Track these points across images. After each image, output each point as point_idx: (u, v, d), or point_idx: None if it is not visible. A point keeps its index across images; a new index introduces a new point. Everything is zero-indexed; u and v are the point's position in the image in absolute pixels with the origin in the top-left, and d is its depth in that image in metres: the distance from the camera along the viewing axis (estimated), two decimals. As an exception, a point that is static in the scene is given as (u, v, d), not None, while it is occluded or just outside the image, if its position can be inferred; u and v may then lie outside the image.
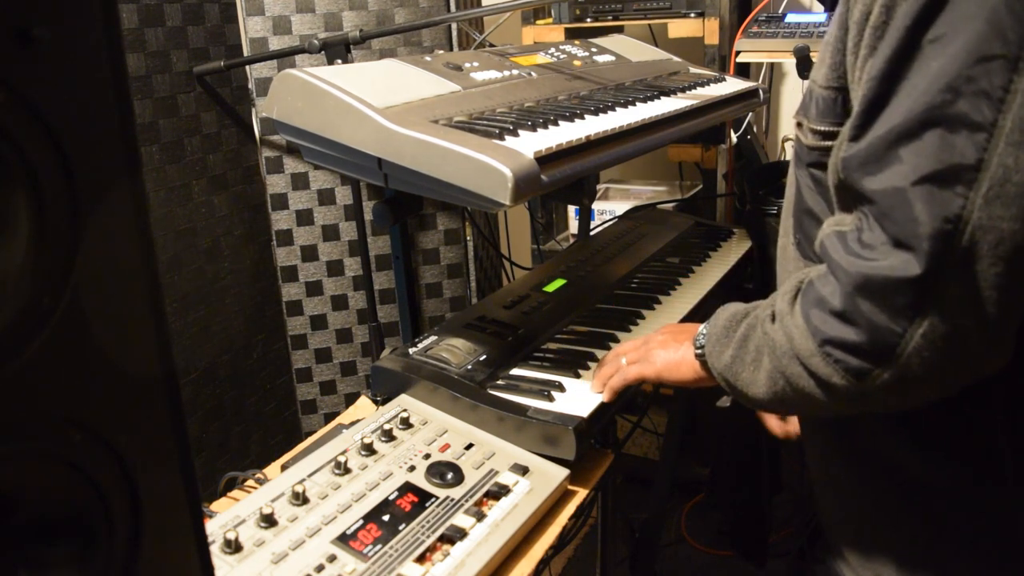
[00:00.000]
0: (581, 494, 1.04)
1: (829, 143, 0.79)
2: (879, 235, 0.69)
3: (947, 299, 0.66)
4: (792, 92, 2.65)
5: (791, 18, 2.10)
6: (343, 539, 0.87)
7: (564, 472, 1.02)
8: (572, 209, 2.52)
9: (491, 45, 1.86)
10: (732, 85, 1.65)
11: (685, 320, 1.34)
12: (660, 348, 1.02)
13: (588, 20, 2.32)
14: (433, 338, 1.22)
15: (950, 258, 0.65)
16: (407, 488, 0.96)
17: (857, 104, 0.72)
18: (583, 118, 1.18)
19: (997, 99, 0.63)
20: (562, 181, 1.02)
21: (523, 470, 1.01)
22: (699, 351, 0.93)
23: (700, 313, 1.37)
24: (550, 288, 1.43)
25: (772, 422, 1.14)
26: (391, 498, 0.94)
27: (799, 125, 0.87)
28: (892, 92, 0.68)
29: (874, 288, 0.69)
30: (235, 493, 1.09)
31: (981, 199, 0.63)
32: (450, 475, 0.98)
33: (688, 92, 1.49)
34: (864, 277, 0.69)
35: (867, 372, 0.71)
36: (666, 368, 1.00)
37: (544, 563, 0.96)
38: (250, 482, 1.09)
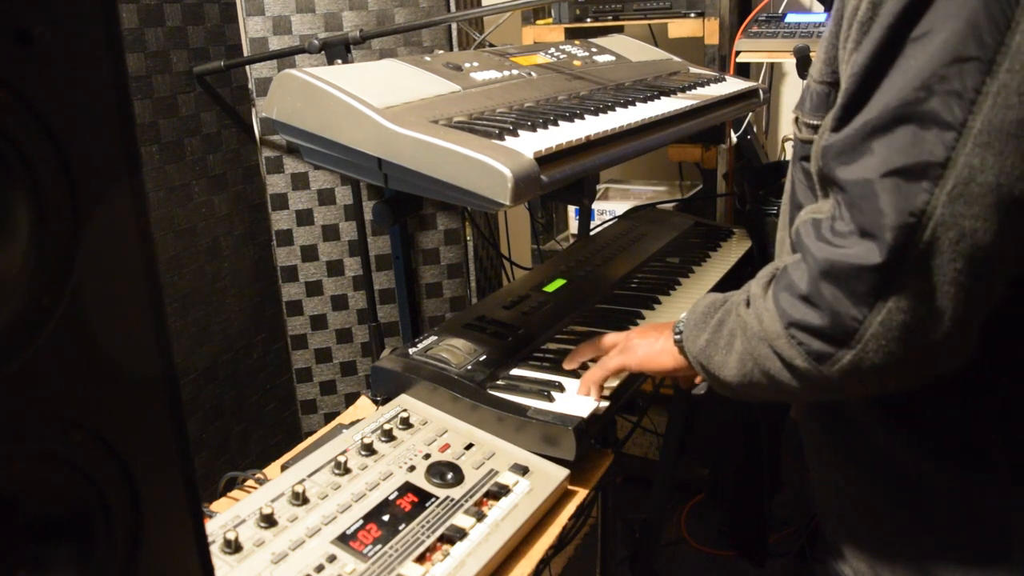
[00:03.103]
0: (581, 494, 1.04)
1: None
2: (848, 224, 0.71)
3: (906, 290, 0.67)
4: (792, 92, 2.65)
5: (791, 18, 2.10)
6: (343, 539, 0.87)
7: (564, 472, 1.02)
8: (572, 209, 2.52)
9: (491, 45, 1.86)
10: (732, 85, 1.65)
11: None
12: (640, 338, 1.05)
13: (588, 20, 2.32)
14: (433, 338, 1.22)
15: (911, 251, 0.66)
16: (407, 488, 0.96)
17: (840, 97, 0.74)
18: (583, 118, 1.18)
19: (968, 100, 0.64)
20: (562, 181, 1.02)
21: (523, 470, 1.01)
22: (677, 336, 0.95)
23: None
24: (550, 288, 1.43)
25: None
26: (391, 498, 0.94)
27: (796, 120, 0.88)
28: (872, 87, 0.70)
29: (837, 274, 0.71)
30: (235, 493, 1.09)
31: (945, 196, 0.65)
32: (450, 475, 0.98)
33: (688, 92, 1.49)
34: (829, 263, 0.71)
35: (828, 356, 0.73)
36: (647, 357, 1.02)
37: (544, 563, 0.96)
38: (250, 482, 1.09)
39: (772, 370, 0.79)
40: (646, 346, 1.03)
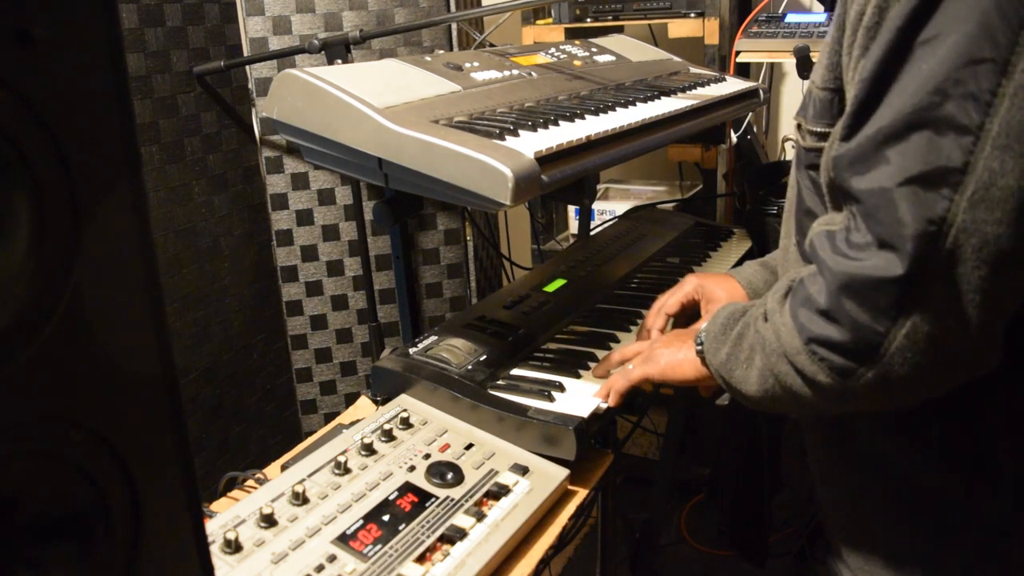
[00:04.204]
0: (581, 494, 1.04)
1: (825, 144, 0.79)
2: (865, 235, 0.69)
3: (930, 300, 0.66)
4: (792, 92, 2.65)
5: (791, 18, 2.10)
6: (343, 539, 0.87)
7: (564, 472, 1.02)
8: (572, 209, 2.52)
9: (491, 45, 1.86)
10: (732, 85, 1.65)
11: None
12: (663, 347, 1.03)
13: (588, 20, 2.32)
14: (433, 338, 1.22)
15: (933, 260, 0.65)
16: (407, 488, 0.96)
17: (849, 104, 0.73)
18: (583, 118, 1.18)
19: (985, 102, 0.63)
20: (562, 181, 1.02)
21: (523, 470, 1.01)
22: (699, 347, 0.94)
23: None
24: (550, 288, 1.43)
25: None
26: (391, 498, 0.94)
27: (798, 127, 0.87)
28: (883, 93, 0.68)
29: (858, 287, 0.69)
30: (235, 493, 1.09)
31: (966, 202, 0.63)
32: (450, 475, 0.98)
33: (688, 92, 1.49)
34: (848, 276, 0.70)
35: (851, 371, 0.71)
36: (669, 367, 1.00)
37: (544, 563, 0.96)
38: (250, 482, 1.09)
39: (794, 386, 0.77)
40: (668, 356, 1.01)
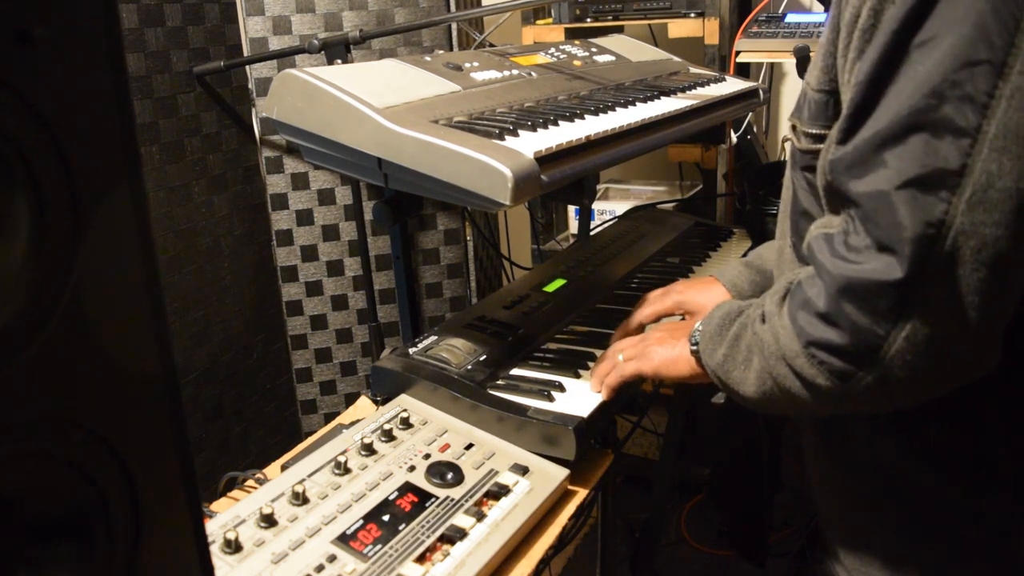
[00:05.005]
0: (581, 494, 1.04)
1: (820, 146, 0.79)
2: (863, 238, 0.69)
3: (929, 303, 0.66)
4: (792, 92, 2.65)
5: (791, 18, 2.10)
6: (343, 539, 0.87)
7: (564, 472, 1.02)
8: (572, 209, 2.52)
9: (491, 45, 1.86)
10: (732, 85, 1.65)
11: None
12: (657, 345, 1.02)
13: (588, 20, 2.32)
14: (433, 338, 1.22)
15: (932, 262, 0.65)
16: (407, 488, 0.96)
17: (845, 107, 0.72)
18: (583, 118, 1.18)
19: (982, 104, 0.63)
20: (562, 181, 1.02)
21: (523, 470, 1.01)
22: (694, 347, 0.94)
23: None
24: (550, 288, 1.43)
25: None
26: (391, 498, 0.94)
27: (793, 128, 0.87)
28: (879, 96, 0.68)
29: (857, 291, 0.69)
30: (235, 493, 1.09)
31: (964, 204, 0.64)
32: (450, 475, 0.98)
33: (688, 92, 1.49)
34: (847, 280, 0.70)
35: (851, 374, 0.71)
36: (663, 364, 1.00)
37: (544, 563, 0.96)
38: (250, 482, 1.09)
39: (792, 389, 0.77)
40: (662, 353, 1.00)
